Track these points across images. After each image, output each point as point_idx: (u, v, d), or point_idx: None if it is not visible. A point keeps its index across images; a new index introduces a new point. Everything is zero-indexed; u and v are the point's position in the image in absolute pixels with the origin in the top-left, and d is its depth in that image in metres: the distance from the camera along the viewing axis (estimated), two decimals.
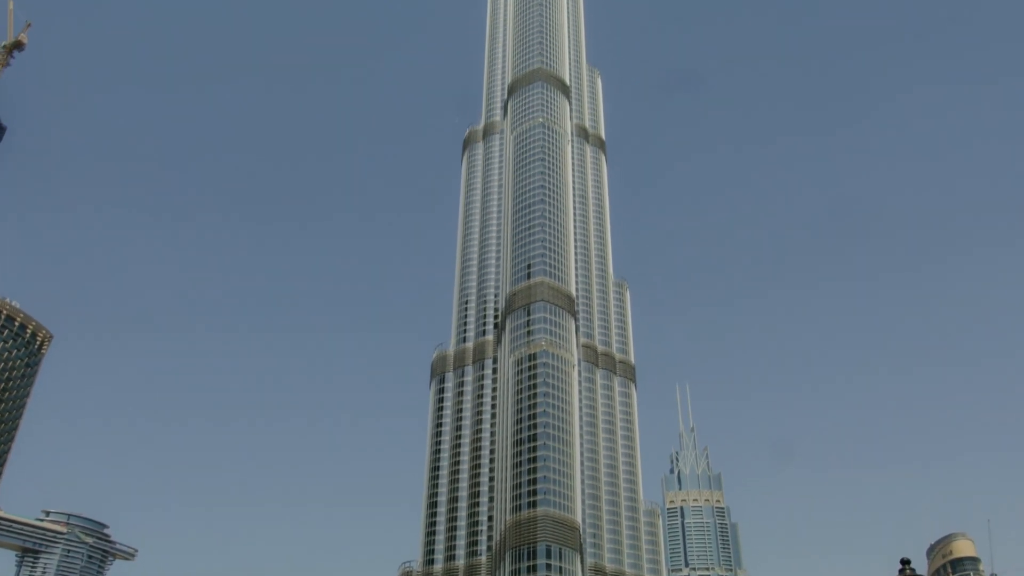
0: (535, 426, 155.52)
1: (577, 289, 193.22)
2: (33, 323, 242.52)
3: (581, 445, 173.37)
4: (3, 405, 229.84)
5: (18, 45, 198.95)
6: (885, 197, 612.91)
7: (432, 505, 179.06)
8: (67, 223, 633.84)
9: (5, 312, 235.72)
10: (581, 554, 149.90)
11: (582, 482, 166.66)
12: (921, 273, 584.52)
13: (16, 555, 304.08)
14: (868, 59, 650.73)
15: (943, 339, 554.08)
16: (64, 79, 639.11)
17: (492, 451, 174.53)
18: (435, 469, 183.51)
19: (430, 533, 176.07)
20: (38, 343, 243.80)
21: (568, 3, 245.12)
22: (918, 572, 79.93)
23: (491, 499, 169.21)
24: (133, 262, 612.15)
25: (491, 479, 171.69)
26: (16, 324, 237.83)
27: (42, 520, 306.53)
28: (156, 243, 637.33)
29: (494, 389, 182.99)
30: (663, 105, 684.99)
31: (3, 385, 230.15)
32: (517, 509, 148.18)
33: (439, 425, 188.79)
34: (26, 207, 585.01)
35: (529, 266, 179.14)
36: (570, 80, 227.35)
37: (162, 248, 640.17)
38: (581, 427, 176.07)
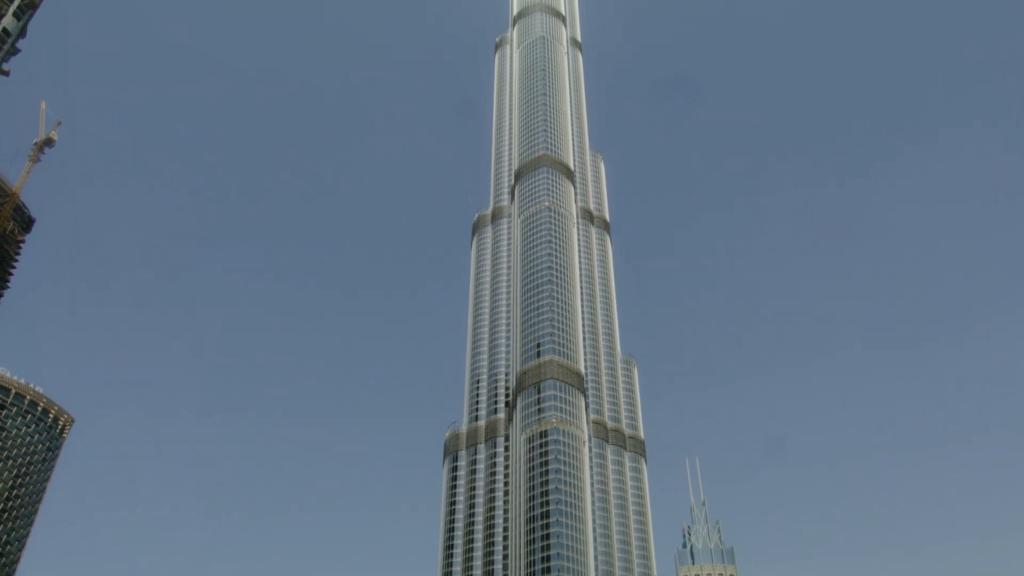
0: (547, 503, 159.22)
1: (586, 366, 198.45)
2: (55, 408, 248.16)
3: (593, 521, 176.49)
4: (23, 489, 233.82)
5: (48, 142, 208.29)
6: (905, 252, 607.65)
7: None
8: (92, 309, 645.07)
9: (28, 397, 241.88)
10: None
11: (595, 558, 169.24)
12: (942, 345, 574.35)
13: None
14: (885, 105, 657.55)
15: (966, 410, 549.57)
16: (90, 173, 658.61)
17: (505, 528, 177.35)
18: (449, 547, 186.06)
19: None
20: (60, 427, 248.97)
21: (571, 92, 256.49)
22: None
23: None
24: (153, 348, 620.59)
25: (505, 556, 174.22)
26: (39, 409, 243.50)
27: None
28: (176, 329, 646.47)
29: (506, 467, 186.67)
30: (665, 187, 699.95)
31: (24, 469, 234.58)
32: None
33: (452, 503, 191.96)
34: (52, 294, 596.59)
35: (538, 345, 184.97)
36: (574, 165, 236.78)
37: (181, 334, 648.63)
38: (593, 503, 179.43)
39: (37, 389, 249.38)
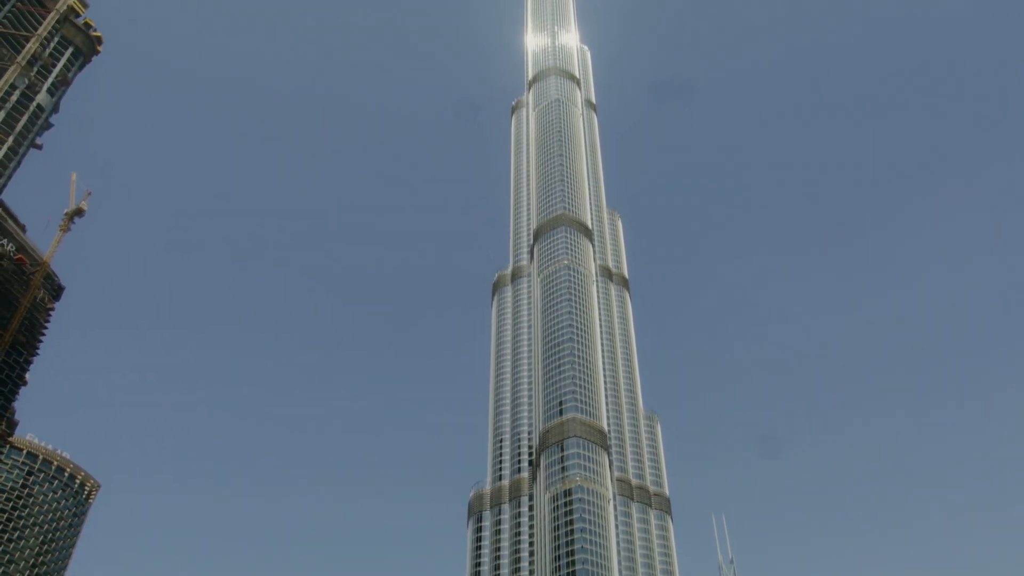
0: (573, 563, 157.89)
1: (609, 424, 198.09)
2: (82, 473, 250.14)
3: None
4: (50, 556, 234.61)
5: (79, 212, 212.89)
6: (938, 304, 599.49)
7: None
8: (119, 375, 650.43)
9: (55, 463, 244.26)
10: None
11: None
12: (969, 423, 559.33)
13: None
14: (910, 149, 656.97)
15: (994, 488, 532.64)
16: (119, 241, 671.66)
17: None
18: None
19: None
20: (86, 493, 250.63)
21: (587, 152, 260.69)
22: None
23: None
24: (180, 413, 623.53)
25: None
26: (65, 475, 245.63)
27: None
28: (202, 395, 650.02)
29: (531, 526, 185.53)
30: (681, 243, 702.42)
31: (51, 535, 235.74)
32: None
33: (477, 564, 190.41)
34: (79, 360, 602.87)
35: (561, 403, 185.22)
36: (592, 223, 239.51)
37: (208, 400, 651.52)
38: (619, 561, 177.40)
39: (64, 455, 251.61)
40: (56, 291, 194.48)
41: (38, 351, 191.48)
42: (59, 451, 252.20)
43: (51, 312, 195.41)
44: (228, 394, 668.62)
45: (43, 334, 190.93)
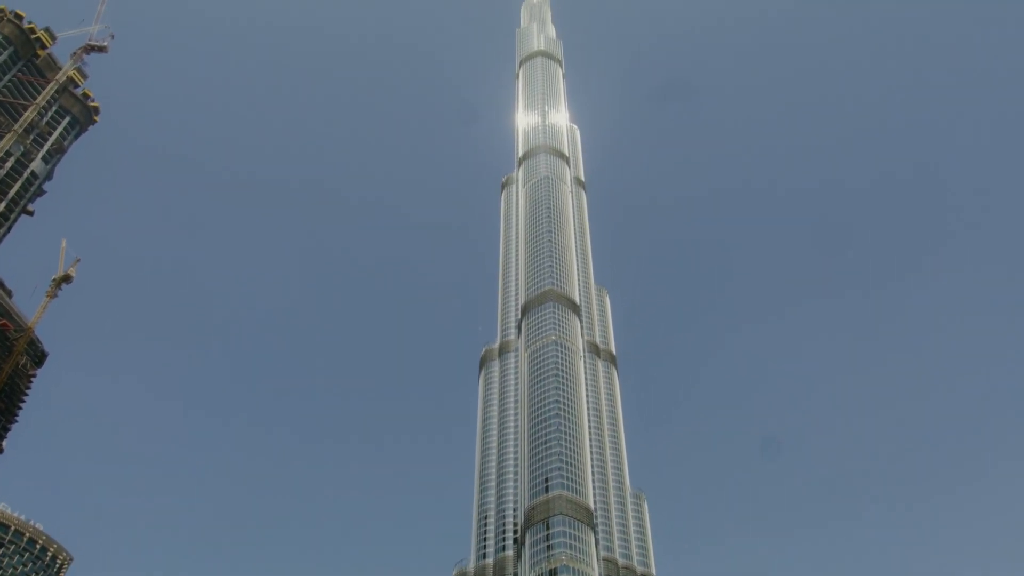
0: None
1: (595, 502, 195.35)
2: (54, 545, 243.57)
3: None
4: None
5: (66, 279, 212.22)
6: (949, 379, 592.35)
7: None
8: (98, 446, 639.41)
9: (27, 534, 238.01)
10: None
11: None
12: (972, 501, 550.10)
13: None
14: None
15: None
16: (104, 309, 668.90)
17: None
18: None
19: None
20: (58, 565, 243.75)
21: (575, 229, 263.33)
22: None
23: None
24: (155, 489, 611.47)
25: None
26: (37, 547, 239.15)
27: None
28: (178, 472, 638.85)
29: None
30: (670, 319, 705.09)
31: None
32: None
33: None
34: (59, 428, 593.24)
35: (547, 480, 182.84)
36: (580, 299, 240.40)
37: (183, 477, 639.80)
38: None
39: (37, 526, 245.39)
40: (39, 357, 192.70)
41: (17, 418, 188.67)
42: (32, 522, 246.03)
43: (33, 378, 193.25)
44: (207, 473, 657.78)
45: (23, 400, 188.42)
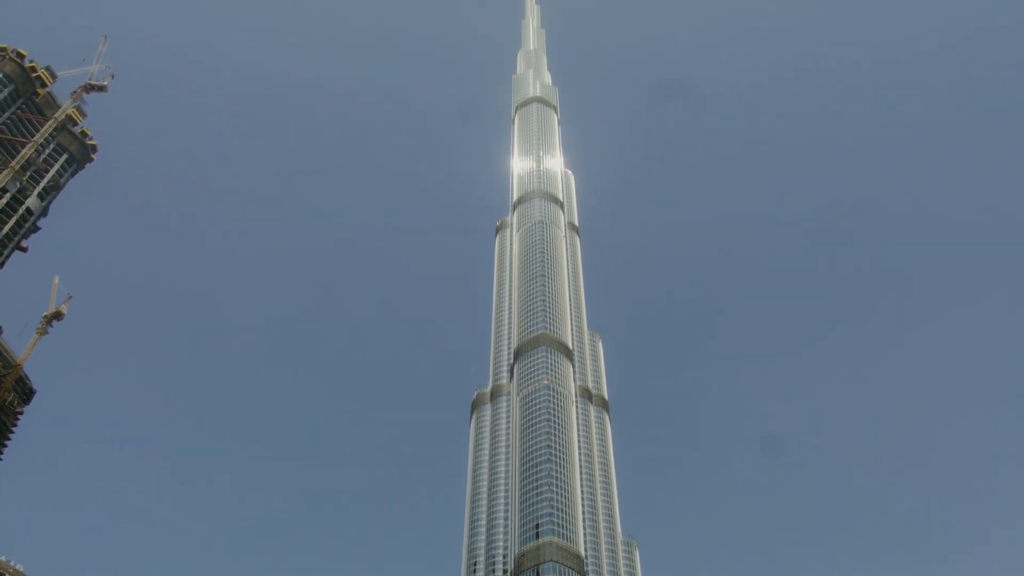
0: None
1: (586, 549, 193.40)
2: None
3: None
4: None
5: (57, 316, 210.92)
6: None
7: None
8: (85, 486, 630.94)
9: (7, 574, 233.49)
10: None
11: None
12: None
13: None
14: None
15: None
16: (96, 347, 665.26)
17: None
18: None
19: None
20: None
21: (569, 273, 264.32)
22: None
23: None
24: (143, 537, 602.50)
25: None
26: None
27: None
28: (163, 522, 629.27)
29: None
30: (663, 365, 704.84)
31: None
32: None
33: None
34: (45, 467, 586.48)
35: (537, 526, 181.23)
36: (572, 344, 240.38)
37: (170, 532, 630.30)
38: None
39: (18, 567, 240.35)
40: (27, 395, 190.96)
41: (2, 456, 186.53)
42: (12, 563, 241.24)
43: (20, 416, 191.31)
44: (191, 514, 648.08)
45: (9, 438, 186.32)
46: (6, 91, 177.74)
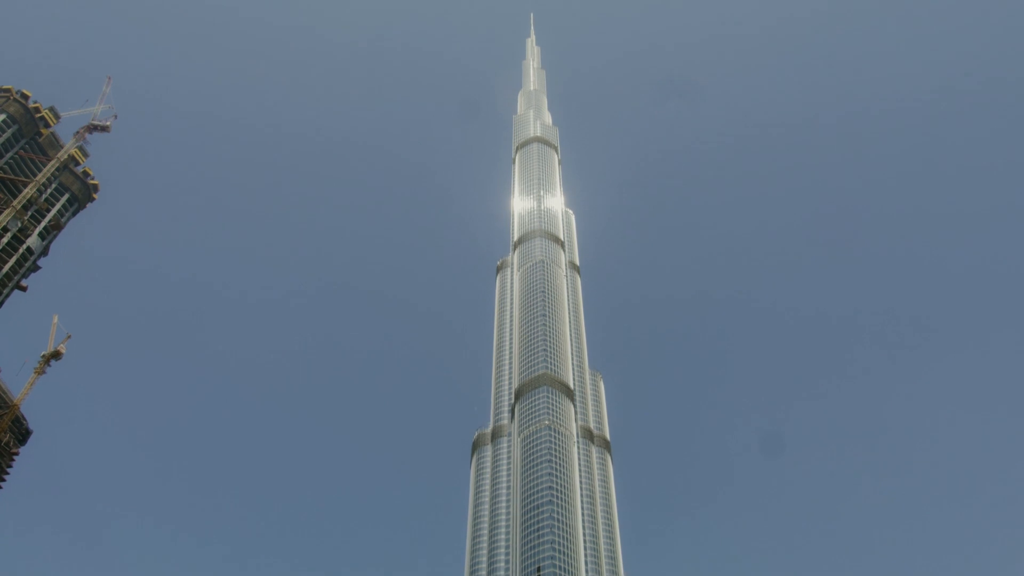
0: None
1: None
2: None
3: None
4: None
5: (56, 355, 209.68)
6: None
7: None
8: (77, 533, 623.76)
9: None
10: None
11: None
12: None
13: None
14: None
15: None
16: (94, 388, 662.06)
17: None
18: None
19: None
20: None
21: (570, 313, 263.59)
22: None
23: None
24: (133, 574, 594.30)
25: None
26: None
27: None
28: (156, 561, 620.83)
29: None
30: (666, 405, 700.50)
31: None
32: None
33: None
34: (39, 510, 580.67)
35: (539, 568, 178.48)
36: (574, 384, 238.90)
37: (160, 568, 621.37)
38: None
39: None
40: (23, 435, 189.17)
41: None
42: None
43: (15, 456, 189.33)
44: (198, 563, 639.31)
45: (4, 480, 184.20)
46: (9, 131, 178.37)
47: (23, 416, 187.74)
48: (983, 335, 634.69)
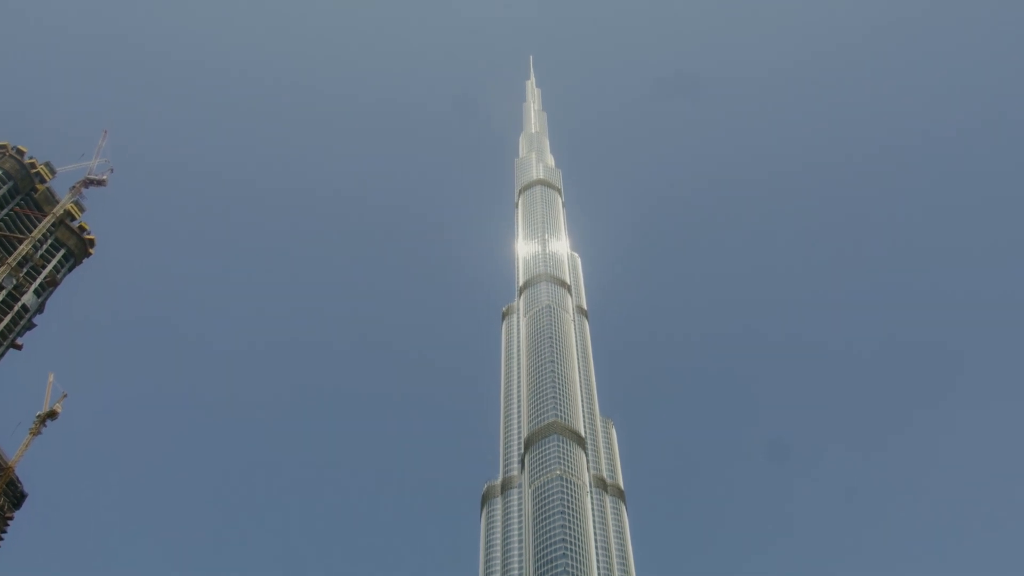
0: None
1: None
2: None
3: None
4: None
5: (52, 415, 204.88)
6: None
7: None
8: None
9: None
10: None
11: None
12: None
13: None
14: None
15: None
16: (91, 447, 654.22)
17: None
18: None
19: None
20: None
21: (579, 359, 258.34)
22: None
23: None
24: None
25: None
26: None
27: None
28: None
29: None
30: (679, 451, 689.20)
31: None
32: None
33: None
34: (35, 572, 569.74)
35: None
36: (585, 432, 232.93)
37: None
38: None
39: None
40: (18, 499, 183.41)
41: None
42: None
43: (10, 521, 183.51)
44: None
45: None
46: (5, 188, 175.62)
47: (18, 479, 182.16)
48: (993, 357, 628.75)
